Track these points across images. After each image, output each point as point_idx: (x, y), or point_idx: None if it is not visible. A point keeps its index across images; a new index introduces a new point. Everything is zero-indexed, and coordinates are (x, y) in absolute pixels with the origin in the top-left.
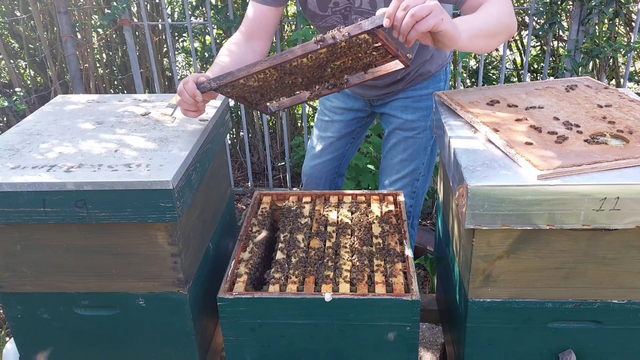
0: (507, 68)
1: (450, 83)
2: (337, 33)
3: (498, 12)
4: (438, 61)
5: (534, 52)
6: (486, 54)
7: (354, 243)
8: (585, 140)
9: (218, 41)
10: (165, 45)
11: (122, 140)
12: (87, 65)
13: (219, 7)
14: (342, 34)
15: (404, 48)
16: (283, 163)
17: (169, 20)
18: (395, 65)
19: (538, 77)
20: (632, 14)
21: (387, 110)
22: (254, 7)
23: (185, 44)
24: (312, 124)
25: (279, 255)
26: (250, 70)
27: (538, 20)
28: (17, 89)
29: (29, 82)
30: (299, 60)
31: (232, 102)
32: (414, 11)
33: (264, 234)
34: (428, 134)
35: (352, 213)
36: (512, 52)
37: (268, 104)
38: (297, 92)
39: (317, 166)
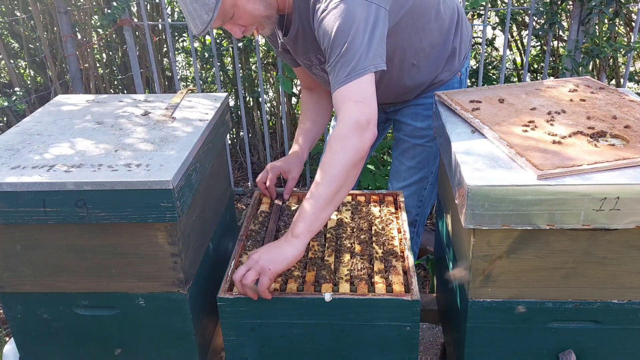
0: (507, 68)
1: None
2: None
3: (335, 167)
4: (451, 69)
5: (534, 52)
6: (486, 54)
7: (353, 243)
8: (586, 140)
9: (218, 41)
10: (165, 45)
11: (122, 140)
12: (87, 65)
13: None
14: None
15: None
16: None
17: (169, 20)
18: None
19: (538, 77)
20: (632, 14)
21: (398, 116)
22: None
23: (185, 44)
24: None
25: None
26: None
27: (538, 20)
28: (17, 89)
29: (29, 82)
30: None
31: (232, 102)
32: (247, 288)
33: (263, 234)
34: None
35: (352, 213)
36: (512, 52)
37: None
38: None
39: None
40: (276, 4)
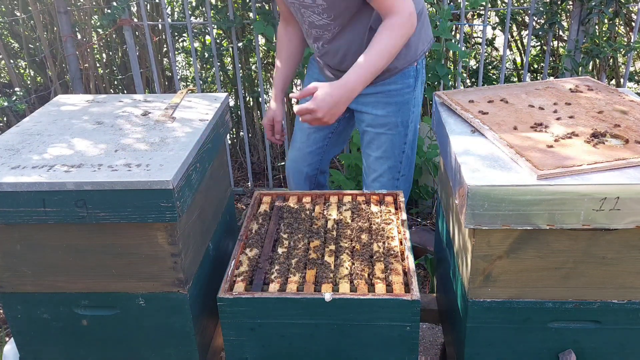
0: (507, 68)
1: (450, 83)
2: None
3: (389, 40)
4: (406, 57)
5: (534, 52)
6: (486, 54)
7: (353, 243)
8: (585, 141)
9: (218, 41)
10: (165, 45)
11: (122, 140)
12: (87, 65)
13: (219, 7)
14: None
15: None
16: (283, 163)
17: (169, 20)
18: None
19: (538, 77)
20: (632, 14)
21: (358, 107)
22: None
23: (185, 44)
24: None
25: (279, 256)
26: None
27: (538, 20)
28: (17, 89)
29: (29, 82)
30: None
31: (232, 102)
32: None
33: (263, 234)
34: (401, 131)
35: (352, 213)
36: (512, 52)
37: None
38: None
39: (297, 160)
40: None
